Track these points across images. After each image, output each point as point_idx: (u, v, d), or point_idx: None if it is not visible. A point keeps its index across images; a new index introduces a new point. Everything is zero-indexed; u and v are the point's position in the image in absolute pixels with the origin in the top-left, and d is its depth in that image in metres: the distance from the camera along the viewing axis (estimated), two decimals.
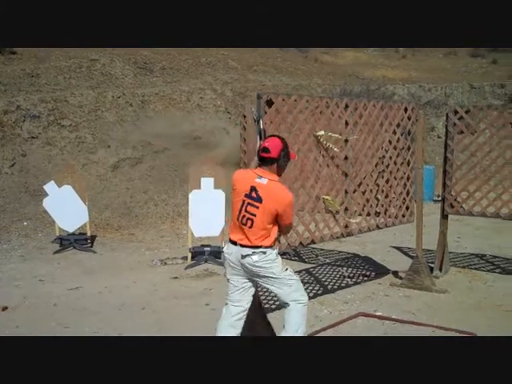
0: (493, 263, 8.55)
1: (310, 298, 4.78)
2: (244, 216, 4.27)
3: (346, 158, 6.14)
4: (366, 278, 7.63)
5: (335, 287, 7.17)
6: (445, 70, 35.29)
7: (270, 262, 4.29)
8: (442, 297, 6.73)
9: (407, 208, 7.11)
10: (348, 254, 9.37)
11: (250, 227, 4.25)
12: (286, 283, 4.37)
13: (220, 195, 8.16)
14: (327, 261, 8.91)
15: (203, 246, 8.21)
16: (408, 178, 7.07)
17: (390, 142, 6.67)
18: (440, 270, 7.68)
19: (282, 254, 5.11)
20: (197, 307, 6.18)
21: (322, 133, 5.60)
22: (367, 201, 6.53)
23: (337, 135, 5.68)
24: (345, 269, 8.15)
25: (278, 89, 20.82)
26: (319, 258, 9.20)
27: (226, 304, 4.44)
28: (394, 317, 5.85)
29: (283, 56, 30.76)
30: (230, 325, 4.38)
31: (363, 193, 6.44)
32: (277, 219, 4.27)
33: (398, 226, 7.24)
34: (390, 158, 6.70)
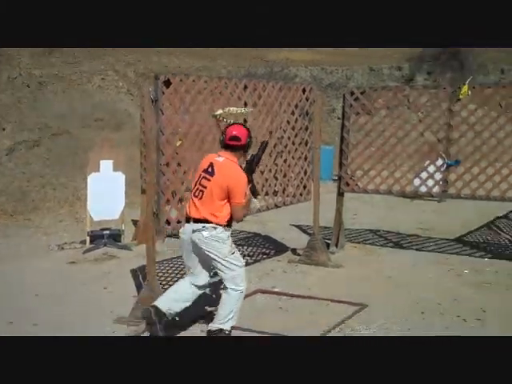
0: (386, 238, 8.95)
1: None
2: (197, 189, 4.50)
3: None
4: (265, 256, 7.76)
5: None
6: (347, 53, 36.26)
7: (219, 242, 4.43)
8: (337, 271, 6.97)
9: (305, 187, 7.27)
10: (249, 233, 9.45)
11: (200, 198, 4.45)
12: (229, 266, 4.49)
13: (120, 177, 7.99)
14: None
15: (102, 229, 8.02)
16: (306, 158, 7.22)
17: (288, 122, 6.78)
18: (336, 245, 7.95)
19: (174, 235, 5.26)
20: (94, 291, 6.04)
21: (220, 112, 5.60)
22: (266, 180, 6.61)
23: (236, 109, 5.69)
24: (245, 248, 8.21)
25: (182, 70, 20.60)
26: None
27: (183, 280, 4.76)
28: (290, 292, 5.99)
29: None
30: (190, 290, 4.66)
31: (262, 172, 6.51)
32: (229, 198, 4.43)
33: (296, 204, 7.40)
34: (289, 138, 6.82)
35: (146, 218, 5.55)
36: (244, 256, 7.70)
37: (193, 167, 5.22)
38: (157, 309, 4.52)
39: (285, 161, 6.83)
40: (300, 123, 6.98)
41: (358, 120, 7.99)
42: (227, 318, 4.51)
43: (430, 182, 7.64)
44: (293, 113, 6.84)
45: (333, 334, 4.88)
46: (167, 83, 5.11)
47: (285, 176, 6.96)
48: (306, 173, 7.26)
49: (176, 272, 6.64)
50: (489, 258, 7.61)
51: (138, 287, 5.75)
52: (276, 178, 6.87)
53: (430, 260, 7.49)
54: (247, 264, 7.33)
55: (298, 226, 9.54)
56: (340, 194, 8.17)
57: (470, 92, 7.14)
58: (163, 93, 5.03)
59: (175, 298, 4.63)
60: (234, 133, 4.51)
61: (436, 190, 7.58)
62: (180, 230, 4.65)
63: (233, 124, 4.74)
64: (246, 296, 5.84)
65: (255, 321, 5.09)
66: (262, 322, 5.08)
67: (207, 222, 4.40)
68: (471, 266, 7.18)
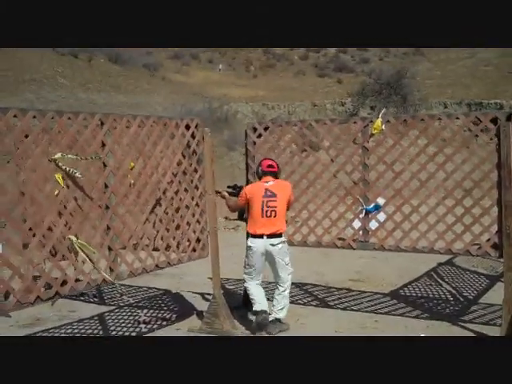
0: (311, 294, 7.80)
1: None
2: (267, 210, 5.83)
3: (105, 186, 4.96)
4: (164, 323, 6.52)
5: (125, 336, 6.02)
6: (293, 89, 35.72)
7: (286, 252, 6.04)
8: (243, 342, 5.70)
9: (198, 240, 6.06)
10: (159, 290, 8.25)
11: (275, 216, 5.86)
12: (289, 272, 6.12)
13: None
14: (131, 301, 7.73)
15: None
16: (198, 206, 6.04)
17: (167, 165, 5.60)
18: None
19: (80, 295, 4.49)
20: None
21: (58, 155, 4.39)
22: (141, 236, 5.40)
23: (75, 156, 4.46)
24: (145, 311, 7.00)
25: (111, 107, 19.42)
26: (123, 297, 7.99)
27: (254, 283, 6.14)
28: None
29: (127, 74, 29.37)
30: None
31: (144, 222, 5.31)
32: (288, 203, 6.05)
33: (189, 262, 6.17)
34: (169, 183, 5.63)
35: None
36: (138, 324, 6.49)
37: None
38: (266, 312, 5.93)
39: (165, 211, 5.61)
40: (185, 166, 5.80)
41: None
42: (282, 310, 6.01)
43: (349, 232, 6.54)
44: (174, 153, 5.68)
45: None
46: None
47: (176, 229, 5.76)
48: (199, 223, 6.07)
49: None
50: (424, 318, 6.46)
51: None
52: (157, 232, 5.67)
53: (355, 324, 6.31)
54: (139, 333, 6.14)
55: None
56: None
57: (384, 126, 6.12)
58: None
59: (263, 298, 6.08)
60: (270, 163, 6.07)
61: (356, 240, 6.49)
62: (250, 244, 5.92)
63: (264, 159, 6.20)
64: None
65: None
66: None
67: (281, 235, 5.91)
68: (403, 330, 6.02)
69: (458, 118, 5.98)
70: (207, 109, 22.97)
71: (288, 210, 6.10)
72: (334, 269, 9.26)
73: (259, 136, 6.77)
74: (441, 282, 8.35)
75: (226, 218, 14.40)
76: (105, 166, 4.90)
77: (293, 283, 8.43)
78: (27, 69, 20.63)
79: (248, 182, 6.83)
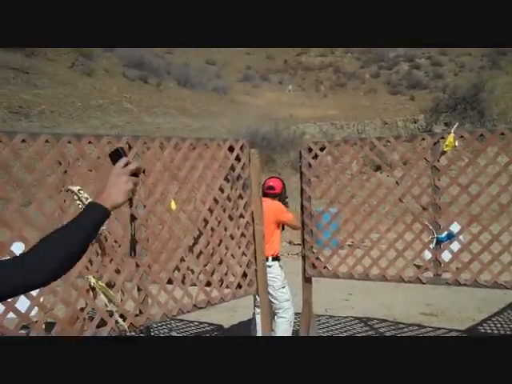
0: (377, 330, 6.99)
1: None
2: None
3: (132, 217, 4.40)
4: None
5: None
6: (364, 107, 34.76)
7: (275, 278, 5.90)
8: None
9: (245, 275, 5.41)
10: (210, 325, 7.70)
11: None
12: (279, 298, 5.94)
13: None
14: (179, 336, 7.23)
15: None
16: (244, 236, 5.39)
17: (208, 191, 5.00)
18: None
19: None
20: None
21: (76, 188, 3.87)
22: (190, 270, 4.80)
23: (86, 196, 3.88)
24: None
25: (175, 131, 19.24)
26: (172, 333, 7.50)
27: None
28: None
29: (195, 98, 29.37)
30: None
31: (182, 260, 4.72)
32: (282, 224, 6.14)
33: (234, 300, 5.51)
34: (211, 211, 5.02)
35: None
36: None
37: None
38: None
39: (207, 244, 5.00)
40: (228, 192, 5.19)
41: (320, 184, 6.20)
42: None
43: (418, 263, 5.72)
44: (216, 178, 5.08)
45: None
46: None
47: (207, 264, 5.13)
48: (245, 256, 5.42)
49: None
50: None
51: None
52: (205, 266, 5.06)
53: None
54: None
55: None
56: (307, 280, 6.32)
57: (457, 143, 5.30)
58: None
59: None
60: (271, 184, 6.08)
61: (426, 273, 5.67)
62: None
63: (268, 178, 6.26)
64: None
65: None
66: None
67: (267, 259, 5.72)
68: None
69: None
70: (273, 130, 22.46)
71: (294, 229, 6.41)
72: (402, 300, 8.39)
73: (315, 157, 6.10)
74: None
75: (290, 242, 13.70)
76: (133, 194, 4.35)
77: (356, 317, 7.72)
78: (96, 95, 20.84)
79: (302, 208, 6.16)
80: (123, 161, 1.83)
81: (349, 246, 6.14)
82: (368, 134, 23.10)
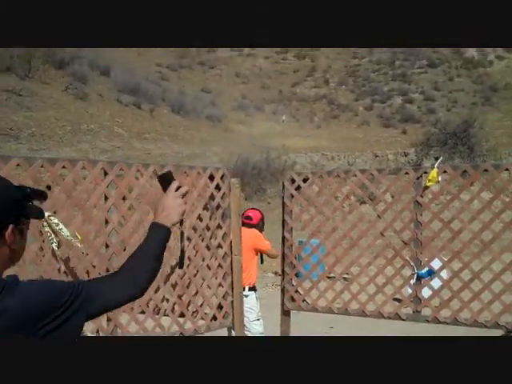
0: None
1: None
2: None
3: (106, 245, 4.31)
4: None
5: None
6: (356, 139, 34.93)
7: (250, 309, 5.99)
8: None
9: (221, 307, 5.29)
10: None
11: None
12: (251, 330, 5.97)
13: None
14: None
15: None
16: (221, 267, 5.30)
17: (186, 220, 4.90)
18: None
19: None
20: None
21: (48, 214, 3.77)
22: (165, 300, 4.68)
23: (61, 227, 3.78)
24: None
25: (165, 157, 19.21)
26: None
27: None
28: None
29: (188, 125, 29.42)
30: None
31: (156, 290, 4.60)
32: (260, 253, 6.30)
33: (208, 332, 5.38)
34: (189, 240, 4.93)
35: None
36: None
37: None
38: None
39: (182, 275, 4.89)
40: (207, 221, 5.10)
41: (302, 215, 6.12)
42: None
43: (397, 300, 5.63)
44: (194, 207, 5.00)
45: None
46: None
47: (181, 296, 5.00)
48: (221, 287, 5.31)
49: None
50: None
51: None
52: (179, 297, 4.94)
53: None
54: None
55: None
56: (285, 313, 6.19)
57: (440, 177, 5.26)
58: None
59: None
60: (249, 214, 6.22)
61: (406, 310, 5.57)
62: None
63: (248, 209, 6.46)
64: None
65: None
66: None
67: (244, 289, 5.71)
68: None
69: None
70: (264, 159, 22.48)
71: (272, 257, 6.48)
72: (384, 334, 8.20)
73: (298, 188, 6.03)
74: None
75: (276, 273, 13.56)
76: (107, 222, 4.26)
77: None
78: (87, 119, 20.81)
79: (283, 240, 6.08)
80: (175, 184, 2.07)
81: (328, 277, 6.03)
82: (358, 166, 23.16)
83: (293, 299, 6.07)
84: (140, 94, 30.41)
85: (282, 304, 6.15)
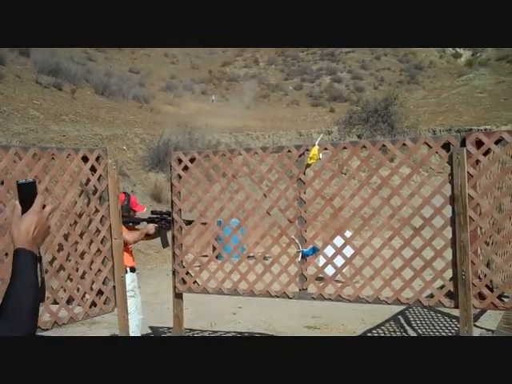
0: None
1: None
2: None
3: None
4: None
5: None
6: (284, 119, 35.04)
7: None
8: None
9: (101, 293, 5.12)
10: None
11: None
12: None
13: None
14: None
15: None
16: (100, 252, 5.12)
17: (55, 205, 4.69)
18: None
19: None
20: None
21: None
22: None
23: None
24: None
25: (83, 139, 18.68)
26: None
27: None
28: None
29: (112, 106, 28.69)
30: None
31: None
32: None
33: (88, 319, 5.22)
34: (57, 226, 4.72)
35: None
36: None
37: None
38: None
39: (52, 260, 4.69)
40: (80, 205, 4.90)
41: (190, 197, 6.00)
42: None
43: (284, 278, 5.60)
44: (66, 191, 4.78)
45: None
46: None
47: (66, 280, 4.82)
48: (100, 272, 5.13)
49: None
50: None
51: None
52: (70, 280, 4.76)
53: None
54: None
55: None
56: (177, 296, 6.09)
57: (321, 155, 5.24)
58: None
59: None
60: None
61: (292, 288, 5.56)
62: None
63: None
64: None
65: None
66: None
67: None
68: None
69: (404, 144, 5.08)
70: (187, 139, 22.21)
71: (128, 243, 5.89)
72: (289, 314, 8.28)
73: (185, 168, 5.90)
74: (407, 327, 7.39)
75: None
76: None
77: (237, 331, 7.55)
78: (2, 101, 19.97)
79: (172, 222, 5.95)
80: (40, 200, 1.80)
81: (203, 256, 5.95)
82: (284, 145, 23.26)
83: (184, 282, 5.97)
84: (61, 74, 29.39)
85: (174, 287, 6.04)
